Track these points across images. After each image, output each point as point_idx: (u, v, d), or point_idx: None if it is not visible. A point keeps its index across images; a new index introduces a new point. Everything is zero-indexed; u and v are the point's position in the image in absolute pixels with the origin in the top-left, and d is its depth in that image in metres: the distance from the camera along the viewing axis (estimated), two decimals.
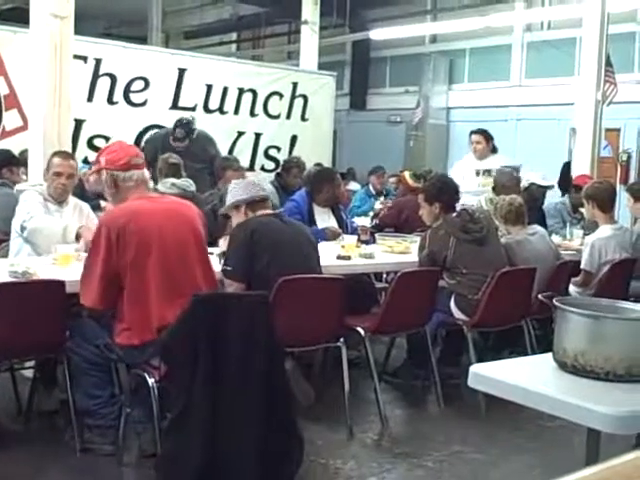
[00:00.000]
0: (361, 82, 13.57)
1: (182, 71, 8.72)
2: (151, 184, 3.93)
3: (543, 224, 6.08)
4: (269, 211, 4.08)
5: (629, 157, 10.19)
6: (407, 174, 7.38)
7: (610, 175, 9.60)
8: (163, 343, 3.17)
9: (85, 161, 7.17)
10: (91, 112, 7.96)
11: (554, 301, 2.27)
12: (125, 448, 3.47)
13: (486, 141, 7.11)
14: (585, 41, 7.98)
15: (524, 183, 6.40)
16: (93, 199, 5.31)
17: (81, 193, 5.17)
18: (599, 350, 2.12)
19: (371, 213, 7.85)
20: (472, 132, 7.33)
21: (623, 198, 6.30)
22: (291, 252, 3.92)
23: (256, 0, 13.14)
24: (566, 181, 7.68)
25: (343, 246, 4.88)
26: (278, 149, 9.70)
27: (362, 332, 4.21)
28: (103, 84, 8.11)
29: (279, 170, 8.04)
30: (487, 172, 6.99)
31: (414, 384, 4.80)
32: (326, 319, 3.97)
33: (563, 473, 1.01)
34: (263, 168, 9.54)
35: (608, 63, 7.86)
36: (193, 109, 8.70)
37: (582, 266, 5.21)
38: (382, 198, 8.91)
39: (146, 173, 3.64)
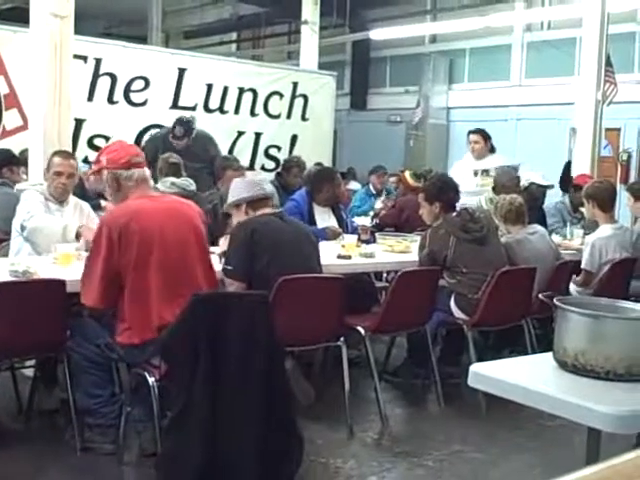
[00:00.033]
0: (361, 82, 13.57)
1: (182, 71, 8.72)
2: (152, 183, 3.93)
3: (543, 224, 6.08)
4: (270, 210, 4.08)
5: (629, 157, 10.19)
6: (407, 174, 7.39)
7: (610, 175, 9.60)
8: (163, 342, 3.18)
9: (85, 160, 7.17)
10: (91, 112, 7.96)
11: (554, 300, 2.28)
12: (125, 447, 3.47)
13: (484, 141, 7.11)
14: (585, 41, 7.98)
15: (524, 183, 6.40)
16: (94, 198, 5.31)
17: (82, 193, 5.17)
18: (599, 349, 2.12)
19: (371, 212, 7.86)
20: (470, 132, 7.33)
21: (623, 197, 6.30)
22: (291, 252, 3.92)
23: (256, 0, 13.14)
24: (567, 181, 7.68)
25: (343, 245, 4.89)
26: (278, 149, 9.71)
27: (362, 331, 4.21)
28: (103, 84, 8.12)
29: (279, 170, 8.05)
30: (485, 172, 6.99)
31: (414, 383, 4.81)
32: (326, 318, 3.97)
33: (563, 472, 1.01)
34: (263, 168, 9.54)
35: (608, 63, 7.86)
36: (193, 109, 8.70)
37: (582, 266, 5.21)
38: (383, 196, 8.92)
39: (147, 172, 3.64)
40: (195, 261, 3.49)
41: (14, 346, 3.41)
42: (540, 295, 4.32)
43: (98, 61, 8.01)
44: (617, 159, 10.23)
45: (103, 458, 3.50)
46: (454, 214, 4.76)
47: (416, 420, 4.57)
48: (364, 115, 13.33)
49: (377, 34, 11.71)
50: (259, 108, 9.50)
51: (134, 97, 8.38)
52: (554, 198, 7.14)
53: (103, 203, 5.22)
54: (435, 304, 4.50)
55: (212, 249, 3.94)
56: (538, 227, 5.32)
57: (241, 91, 9.29)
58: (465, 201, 5.57)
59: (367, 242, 5.39)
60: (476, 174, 6.99)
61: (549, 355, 2.29)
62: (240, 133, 9.35)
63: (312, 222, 5.46)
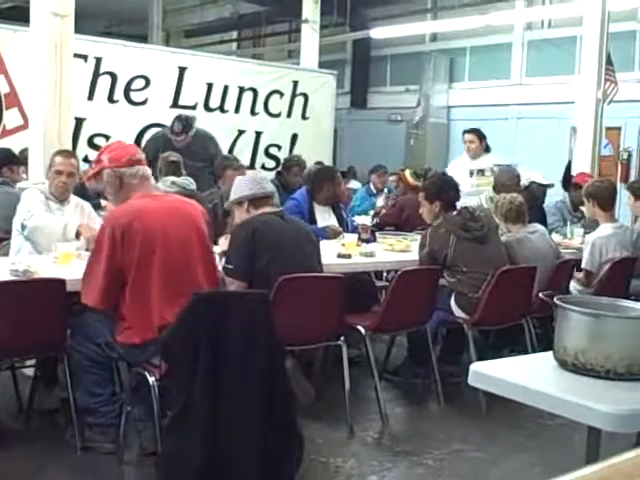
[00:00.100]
0: (362, 81, 13.56)
1: (182, 70, 8.73)
2: (153, 181, 3.93)
3: (544, 223, 6.08)
4: (270, 209, 4.08)
5: (630, 155, 10.19)
6: (407, 172, 7.39)
7: (611, 173, 9.60)
8: (164, 341, 3.18)
9: (85, 160, 7.17)
10: (91, 111, 7.97)
11: (555, 299, 2.28)
12: (126, 446, 3.47)
13: (479, 140, 7.11)
14: (586, 39, 7.97)
15: (524, 182, 6.40)
16: (94, 198, 5.32)
17: (82, 192, 5.17)
18: (599, 348, 2.12)
19: (371, 212, 7.85)
20: (465, 131, 7.34)
21: (624, 196, 6.30)
22: (292, 251, 3.92)
23: None
24: (569, 180, 7.68)
25: (344, 244, 4.89)
26: (279, 148, 9.71)
27: (362, 330, 4.21)
28: (103, 83, 8.12)
29: (279, 169, 8.04)
30: (480, 172, 6.99)
31: (414, 382, 4.81)
32: (326, 317, 3.97)
33: (563, 471, 1.01)
34: (264, 167, 9.55)
35: (609, 62, 7.85)
36: (194, 108, 8.71)
37: (583, 265, 5.21)
38: (384, 193, 8.91)
39: (148, 170, 3.65)
40: (197, 261, 3.49)
41: (14, 345, 3.40)
42: (540, 294, 4.30)
43: (98, 60, 8.02)
44: (617, 158, 10.23)
45: (103, 457, 3.50)
46: (454, 213, 4.76)
47: (416, 419, 4.57)
48: (364, 114, 13.33)
49: (377, 33, 11.71)
50: (259, 107, 9.50)
51: (134, 96, 8.38)
52: (554, 197, 7.14)
53: (103, 202, 5.22)
54: (435, 303, 4.50)
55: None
56: (538, 226, 5.32)
57: (241, 90, 9.29)
58: (461, 202, 5.56)
59: (367, 241, 5.39)
60: (471, 174, 6.99)
61: (549, 354, 2.29)
62: (240, 132, 9.35)
63: (312, 221, 5.46)
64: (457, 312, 4.65)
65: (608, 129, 8.91)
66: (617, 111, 8.41)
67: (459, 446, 3.90)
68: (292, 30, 13.49)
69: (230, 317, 3.05)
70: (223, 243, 4.16)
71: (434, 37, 12.63)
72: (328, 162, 9.23)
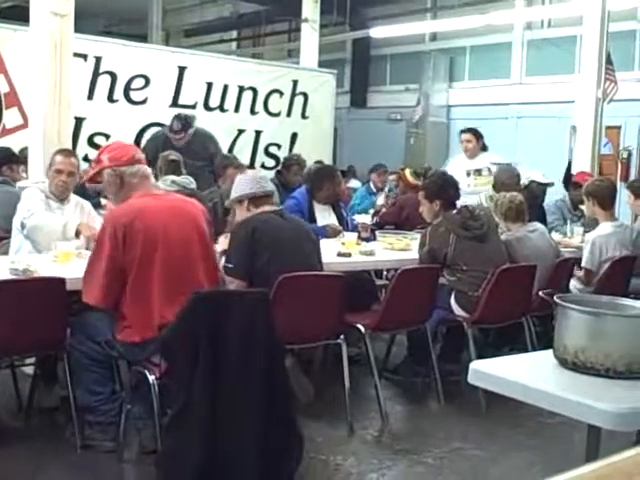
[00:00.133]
0: (361, 80, 13.57)
1: (182, 69, 8.73)
2: (153, 180, 3.93)
3: (543, 221, 6.09)
4: (270, 208, 4.08)
5: (629, 154, 10.20)
6: (407, 171, 7.39)
7: (610, 172, 9.62)
8: (164, 340, 3.18)
9: (85, 159, 7.17)
10: (91, 110, 7.97)
11: (554, 298, 2.28)
12: (126, 445, 3.47)
13: (476, 139, 7.11)
14: (585, 39, 7.98)
15: (524, 180, 6.40)
16: (94, 197, 5.32)
17: (82, 191, 5.17)
18: (599, 347, 2.12)
19: (371, 210, 7.85)
20: (462, 131, 7.34)
21: (623, 195, 6.30)
22: (292, 250, 3.92)
23: None
24: (570, 179, 7.68)
25: (343, 243, 4.89)
26: (278, 147, 9.70)
27: (362, 329, 4.21)
28: (103, 82, 8.12)
29: (279, 168, 8.03)
30: (477, 172, 6.99)
31: (414, 381, 4.81)
32: (326, 316, 3.97)
33: (563, 470, 1.01)
34: (263, 166, 9.55)
35: (608, 61, 7.85)
36: (193, 107, 8.71)
37: (583, 264, 5.21)
38: (385, 191, 8.91)
39: (149, 169, 3.66)
40: (197, 260, 3.50)
41: (14, 344, 3.40)
42: (540, 293, 4.30)
43: (98, 59, 8.02)
44: (617, 157, 10.24)
45: (103, 456, 3.50)
46: (454, 212, 4.77)
47: (416, 417, 4.57)
48: (364, 113, 13.33)
49: (377, 32, 11.71)
50: (259, 106, 9.50)
51: (134, 95, 8.38)
52: (554, 196, 7.14)
53: (103, 201, 5.22)
54: (435, 302, 4.50)
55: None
56: (538, 225, 5.33)
57: (241, 89, 9.29)
58: (461, 201, 5.56)
59: (367, 240, 5.39)
60: (468, 174, 6.99)
61: (549, 352, 2.29)
62: (240, 131, 9.35)
63: (312, 220, 5.46)
64: (457, 310, 4.65)
65: (608, 128, 8.91)
66: (617, 110, 8.42)
67: (459, 444, 3.90)
68: (292, 29, 13.49)
69: (230, 316, 3.05)
70: (223, 242, 4.16)
71: (434, 36, 12.63)
72: (328, 161, 9.22)
